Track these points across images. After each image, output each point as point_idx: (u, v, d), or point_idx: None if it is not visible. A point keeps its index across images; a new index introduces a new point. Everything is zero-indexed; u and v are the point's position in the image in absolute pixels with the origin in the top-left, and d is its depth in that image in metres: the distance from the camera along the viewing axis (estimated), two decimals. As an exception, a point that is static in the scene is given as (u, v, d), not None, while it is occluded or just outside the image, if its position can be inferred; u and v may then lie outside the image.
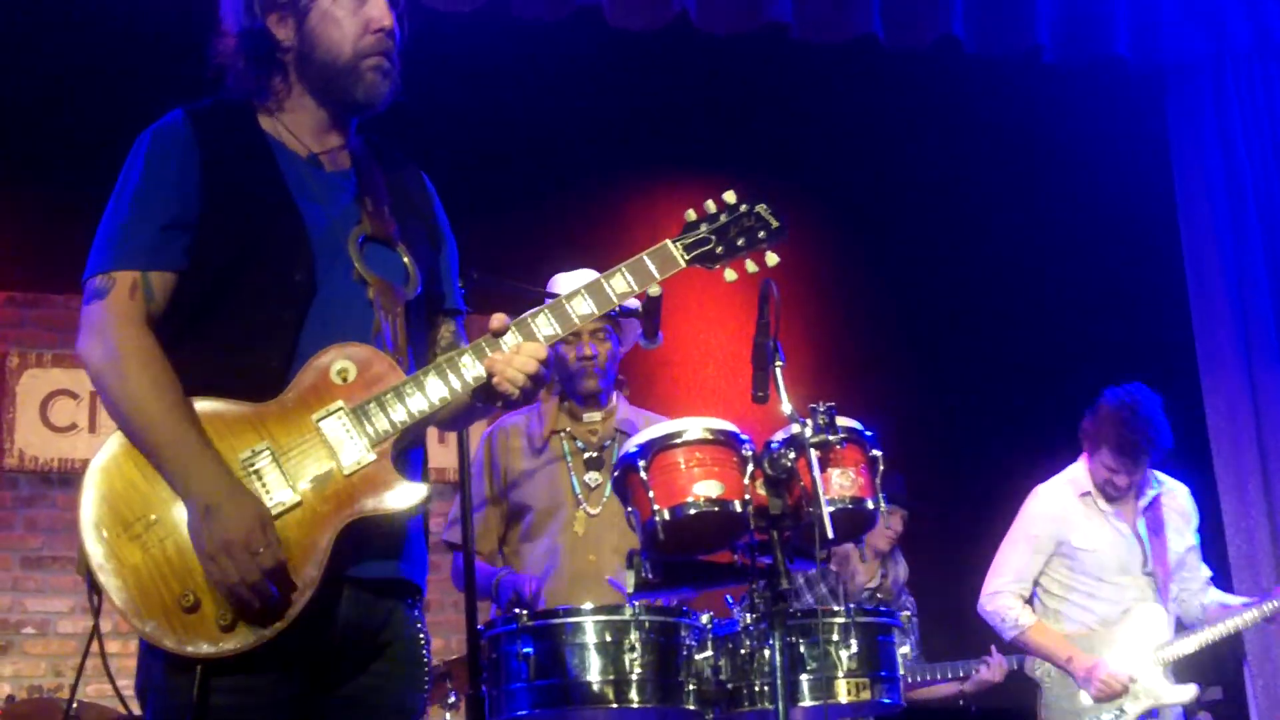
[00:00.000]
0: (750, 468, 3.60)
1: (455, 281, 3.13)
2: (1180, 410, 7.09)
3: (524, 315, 2.79)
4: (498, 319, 2.77)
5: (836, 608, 3.79)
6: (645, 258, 2.84)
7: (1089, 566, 5.84)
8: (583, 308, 2.81)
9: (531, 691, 3.72)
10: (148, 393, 2.68)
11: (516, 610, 3.83)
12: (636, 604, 3.74)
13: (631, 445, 3.72)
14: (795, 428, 3.55)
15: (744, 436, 3.66)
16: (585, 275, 4.67)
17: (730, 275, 2.90)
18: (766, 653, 3.68)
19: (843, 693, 3.73)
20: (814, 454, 3.50)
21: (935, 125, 7.91)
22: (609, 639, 3.71)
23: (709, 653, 3.77)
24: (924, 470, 7.33)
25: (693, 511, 3.57)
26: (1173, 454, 6.00)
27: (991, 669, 6.81)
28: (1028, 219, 7.93)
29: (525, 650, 3.73)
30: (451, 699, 6.03)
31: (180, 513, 2.65)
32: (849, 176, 8.17)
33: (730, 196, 2.88)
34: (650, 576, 3.73)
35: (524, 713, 3.74)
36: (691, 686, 3.75)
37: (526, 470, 4.81)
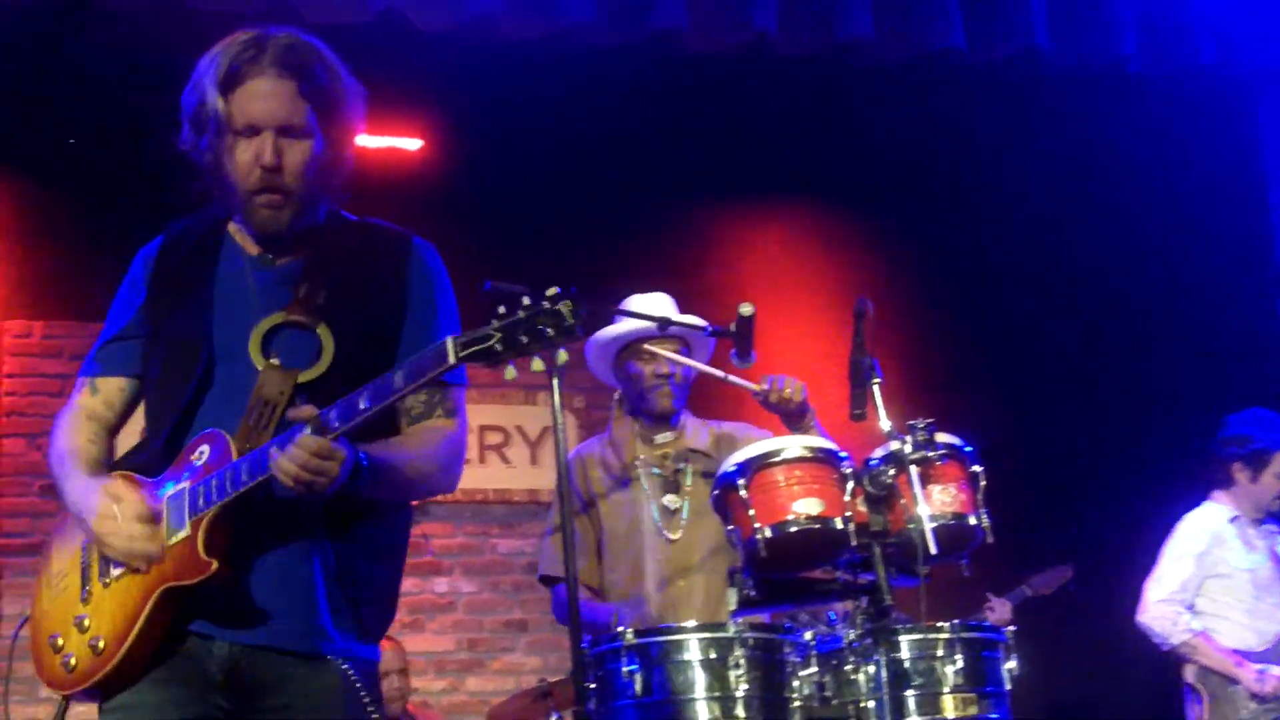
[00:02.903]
0: (850, 485, 3.63)
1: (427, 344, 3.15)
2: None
3: (326, 409, 2.85)
4: (299, 411, 2.86)
5: (941, 624, 3.79)
6: (424, 356, 2.84)
7: (1245, 586, 5.90)
8: (364, 403, 2.85)
9: (638, 709, 3.75)
10: (54, 459, 3.16)
11: (620, 628, 3.86)
12: (739, 621, 3.77)
13: (730, 464, 3.75)
14: (894, 444, 3.58)
15: (843, 454, 3.69)
16: (659, 299, 4.68)
17: (510, 373, 2.82)
18: (871, 669, 3.70)
19: (949, 708, 3.72)
20: (914, 470, 3.53)
21: (1019, 139, 7.89)
22: (713, 656, 3.73)
23: (813, 669, 3.78)
24: (1020, 486, 7.31)
25: (794, 529, 3.61)
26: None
27: (998, 610, 6.87)
28: (1116, 232, 7.89)
29: (630, 668, 3.76)
30: (554, 718, 6.09)
31: (71, 563, 3.09)
32: (936, 191, 8.17)
33: (550, 292, 2.79)
34: (752, 594, 3.77)
35: (630, 730, 3.79)
36: (796, 703, 3.76)
37: (607, 500, 4.77)
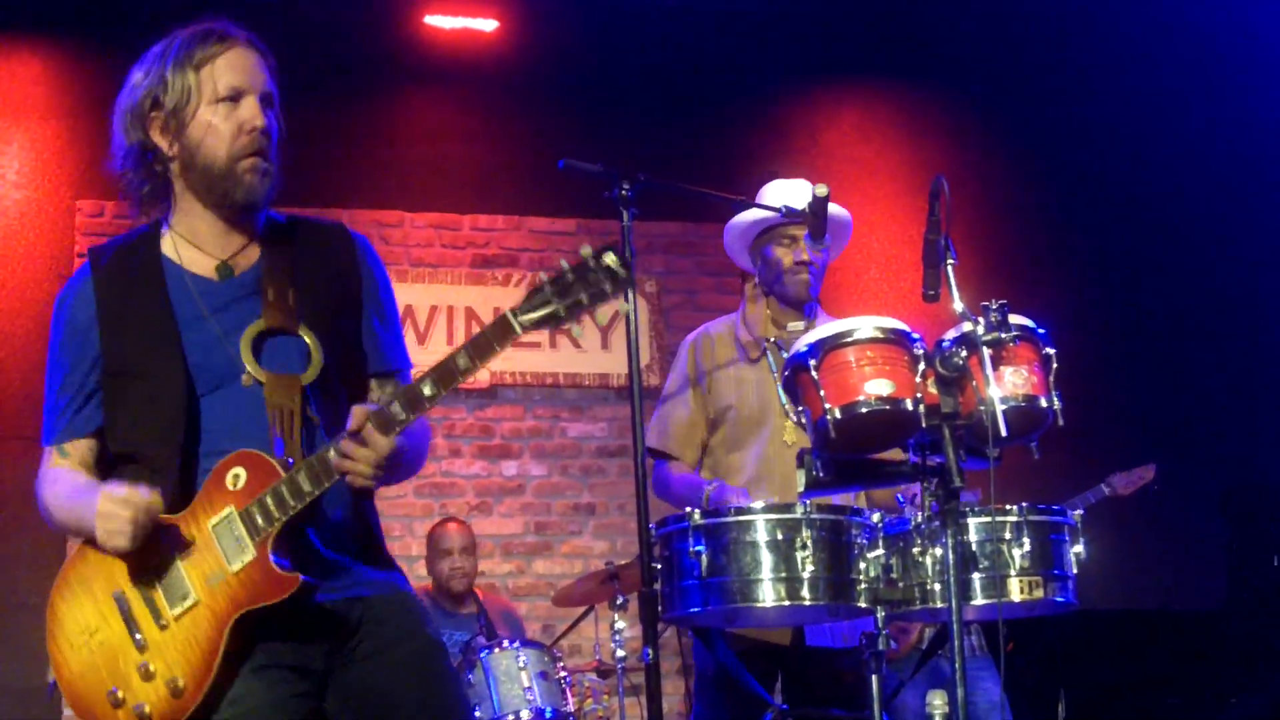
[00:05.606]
0: (922, 366, 3.60)
1: (394, 342, 3.30)
2: None
3: (383, 404, 2.93)
4: (356, 416, 2.90)
5: (1009, 507, 3.76)
6: (487, 333, 2.90)
7: None
8: (429, 389, 2.91)
9: (704, 588, 3.76)
10: (55, 500, 3.13)
11: (687, 510, 3.86)
12: (808, 502, 3.76)
13: (802, 344, 3.71)
14: (967, 325, 3.54)
15: (915, 335, 3.65)
16: (801, 185, 4.62)
17: (576, 331, 2.94)
18: (938, 551, 3.68)
19: (1015, 591, 3.71)
20: (987, 352, 3.49)
21: (1097, 16, 7.79)
22: (780, 537, 3.73)
23: (880, 551, 3.77)
24: (1090, 370, 7.27)
25: (864, 410, 3.57)
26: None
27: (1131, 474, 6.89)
28: (1204, 111, 7.78)
29: (697, 548, 3.77)
30: (620, 600, 6.14)
31: (102, 617, 3.04)
32: (1015, 71, 8.08)
33: (585, 251, 2.86)
34: (821, 475, 3.75)
35: (696, 609, 3.79)
36: (863, 585, 3.76)
37: (734, 379, 4.77)
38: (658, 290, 8.34)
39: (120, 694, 3.00)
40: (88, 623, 3.05)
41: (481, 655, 5.94)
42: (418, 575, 7.24)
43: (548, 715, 5.85)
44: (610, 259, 2.83)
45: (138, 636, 3.01)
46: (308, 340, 3.10)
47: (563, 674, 6.07)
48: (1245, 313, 7.57)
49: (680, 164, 7.30)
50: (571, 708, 6.04)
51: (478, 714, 5.84)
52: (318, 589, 3.00)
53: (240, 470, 2.98)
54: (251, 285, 3.13)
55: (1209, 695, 7.55)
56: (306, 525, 3.03)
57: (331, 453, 2.92)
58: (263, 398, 3.04)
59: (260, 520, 2.94)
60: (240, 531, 2.95)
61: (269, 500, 2.93)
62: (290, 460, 2.98)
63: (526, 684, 5.88)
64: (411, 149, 8.23)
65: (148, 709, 2.97)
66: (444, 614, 6.96)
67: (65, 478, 3.15)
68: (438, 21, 8.19)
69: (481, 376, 8.10)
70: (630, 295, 3.95)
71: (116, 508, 2.91)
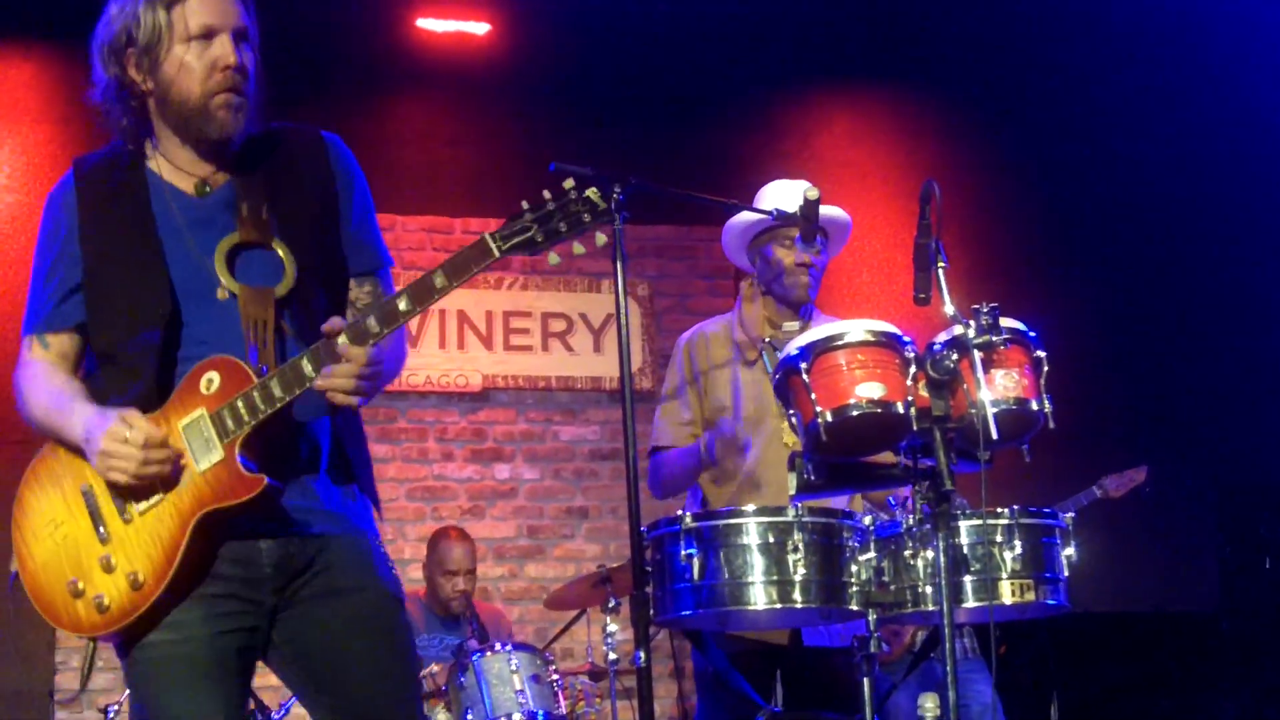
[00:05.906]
0: (913, 369, 3.60)
1: (371, 240, 3.34)
2: None
3: (358, 317, 3.00)
4: (331, 324, 2.97)
5: (1000, 509, 3.77)
6: (465, 253, 2.97)
7: None
8: (404, 305, 2.98)
9: (696, 591, 3.76)
10: (34, 400, 3.17)
11: (679, 513, 3.87)
12: (799, 505, 3.76)
13: (793, 348, 3.72)
14: (958, 329, 3.55)
15: (906, 338, 3.66)
16: (799, 185, 4.62)
17: (553, 259, 3.01)
18: (929, 554, 3.69)
19: (1007, 594, 3.72)
20: (977, 355, 3.49)
21: (1088, 20, 7.80)
22: (772, 540, 3.73)
23: (871, 554, 3.78)
24: (1082, 371, 7.27)
25: (855, 413, 3.58)
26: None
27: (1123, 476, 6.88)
28: (1193, 114, 7.79)
29: (689, 551, 3.77)
30: (612, 603, 6.14)
31: (68, 509, 3.09)
32: (1013, 75, 8.09)
33: (568, 183, 2.96)
34: (812, 478, 3.76)
35: (688, 612, 3.79)
36: (854, 588, 3.76)
37: (730, 380, 4.78)
38: (650, 294, 8.34)
39: (80, 585, 3.05)
40: (54, 515, 3.10)
41: (474, 658, 5.93)
42: (410, 579, 7.22)
43: (540, 718, 5.85)
44: (592, 192, 2.92)
45: (101, 530, 3.05)
46: (281, 253, 3.15)
47: (555, 677, 6.06)
48: (1238, 314, 7.57)
49: (673, 167, 7.31)
50: (564, 711, 6.04)
51: (469, 717, 5.84)
52: (283, 491, 3.05)
53: (214, 375, 3.02)
54: (228, 200, 3.18)
55: (1202, 697, 7.56)
56: (277, 436, 3.07)
57: (305, 363, 2.97)
58: (237, 310, 3.09)
59: (230, 423, 2.99)
60: (210, 433, 3.00)
61: (240, 404, 2.98)
62: (265, 368, 3.03)
63: (519, 687, 5.87)
64: (403, 152, 8.22)
65: (107, 600, 3.02)
66: (436, 618, 6.96)
67: (46, 375, 3.19)
68: (429, 25, 8.19)
69: (474, 380, 8.10)
70: (622, 296, 3.98)
71: (133, 451, 2.95)
